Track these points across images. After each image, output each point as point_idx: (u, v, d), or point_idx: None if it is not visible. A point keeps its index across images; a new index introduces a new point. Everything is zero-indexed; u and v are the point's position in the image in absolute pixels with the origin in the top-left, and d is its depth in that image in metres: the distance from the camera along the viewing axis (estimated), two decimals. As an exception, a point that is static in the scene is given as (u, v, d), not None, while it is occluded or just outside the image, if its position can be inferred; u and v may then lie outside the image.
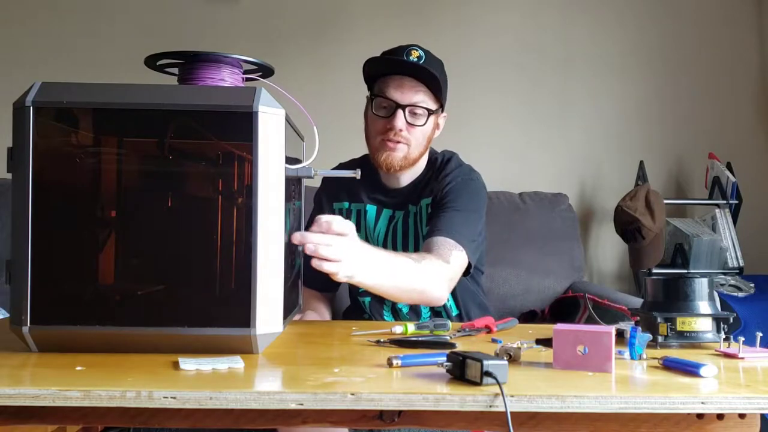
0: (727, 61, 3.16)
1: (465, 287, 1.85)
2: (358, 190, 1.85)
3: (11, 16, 3.03)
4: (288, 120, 1.17)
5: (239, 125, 1.10)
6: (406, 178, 1.83)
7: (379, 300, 1.84)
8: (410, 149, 1.74)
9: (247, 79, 1.30)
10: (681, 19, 3.15)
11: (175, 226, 1.14)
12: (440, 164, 1.84)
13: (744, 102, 3.17)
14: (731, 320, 1.24)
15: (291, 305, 1.31)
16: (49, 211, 1.11)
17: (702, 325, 1.23)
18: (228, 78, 1.23)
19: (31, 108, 1.10)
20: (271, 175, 1.11)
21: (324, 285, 1.90)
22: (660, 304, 1.26)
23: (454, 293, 1.82)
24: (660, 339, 1.23)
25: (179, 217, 1.14)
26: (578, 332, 1.05)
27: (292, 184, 1.30)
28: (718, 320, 1.24)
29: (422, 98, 1.73)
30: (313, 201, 1.93)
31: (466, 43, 3.08)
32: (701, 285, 1.25)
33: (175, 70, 1.27)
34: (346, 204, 1.86)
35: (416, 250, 1.76)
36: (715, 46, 3.15)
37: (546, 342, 1.21)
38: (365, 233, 1.83)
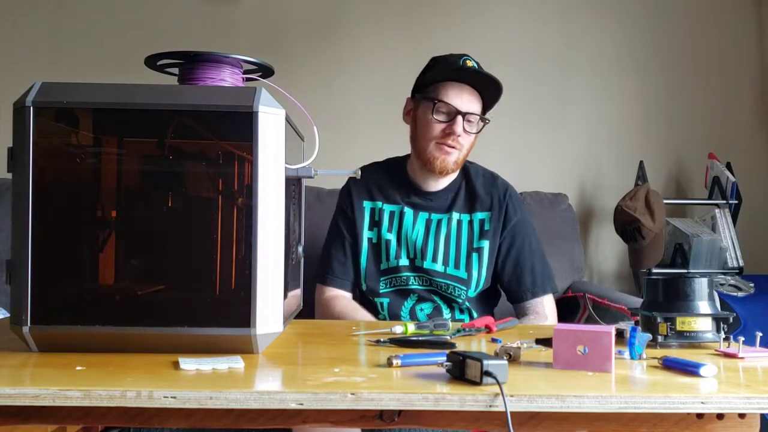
0: (727, 61, 3.15)
1: (487, 299, 1.93)
2: (391, 192, 1.90)
3: (11, 16, 3.03)
4: (288, 120, 1.17)
5: (239, 125, 1.10)
6: (442, 182, 1.89)
7: (399, 301, 1.86)
8: (460, 154, 1.84)
9: (247, 79, 1.30)
10: (681, 19, 3.15)
11: (176, 226, 1.14)
12: (476, 175, 1.92)
13: (744, 102, 3.17)
14: (731, 320, 1.24)
15: (291, 305, 1.31)
16: (49, 211, 1.11)
17: (702, 325, 1.23)
18: (228, 78, 1.23)
19: (32, 108, 1.10)
20: (271, 175, 1.11)
21: (344, 284, 1.90)
22: (660, 304, 1.26)
23: (476, 305, 1.88)
24: (660, 339, 1.22)
25: (179, 217, 1.14)
26: (578, 332, 1.05)
27: (292, 184, 1.30)
28: (718, 320, 1.24)
29: (477, 107, 1.84)
30: (339, 194, 1.97)
31: (466, 43, 3.07)
32: (701, 285, 1.24)
33: (175, 70, 1.27)
34: (380, 203, 1.89)
35: (457, 255, 1.84)
36: (715, 46, 3.15)
37: (546, 342, 1.21)
38: (400, 234, 1.86)
